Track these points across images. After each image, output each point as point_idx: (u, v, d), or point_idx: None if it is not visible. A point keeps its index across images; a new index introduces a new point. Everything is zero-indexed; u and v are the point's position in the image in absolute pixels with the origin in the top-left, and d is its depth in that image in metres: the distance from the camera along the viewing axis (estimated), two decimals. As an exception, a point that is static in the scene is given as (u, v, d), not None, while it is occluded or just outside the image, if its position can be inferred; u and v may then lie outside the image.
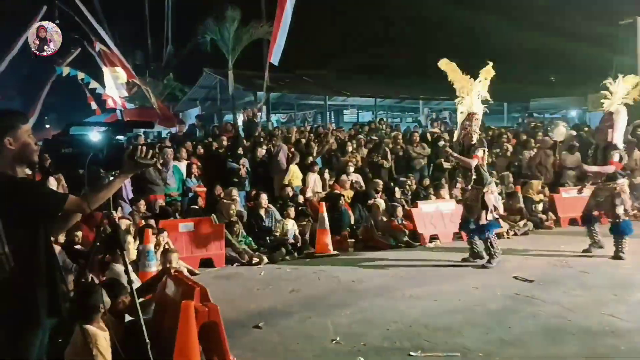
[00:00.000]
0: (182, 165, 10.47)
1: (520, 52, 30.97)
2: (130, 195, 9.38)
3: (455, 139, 8.17)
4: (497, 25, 31.26)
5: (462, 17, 32.72)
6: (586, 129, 14.85)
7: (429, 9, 31.57)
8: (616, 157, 7.61)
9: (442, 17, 32.61)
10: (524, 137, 13.85)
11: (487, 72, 7.63)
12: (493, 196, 7.67)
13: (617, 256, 7.67)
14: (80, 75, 17.12)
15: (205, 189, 10.19)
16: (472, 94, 7.61)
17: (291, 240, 8.97)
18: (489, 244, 7.59)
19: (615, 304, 5.62)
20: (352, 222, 9.91)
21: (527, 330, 4.93)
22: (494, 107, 27.58)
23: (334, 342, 4.80)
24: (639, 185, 10.30)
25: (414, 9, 31.39)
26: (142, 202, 8.81)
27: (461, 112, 7.77)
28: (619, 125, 7.68)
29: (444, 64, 7.75)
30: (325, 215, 9.12)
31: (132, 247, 7.18)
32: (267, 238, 9.00)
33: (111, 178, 3.02)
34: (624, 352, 4.33)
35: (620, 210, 7.64)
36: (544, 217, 10.86)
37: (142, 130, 12.98)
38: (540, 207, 10.97)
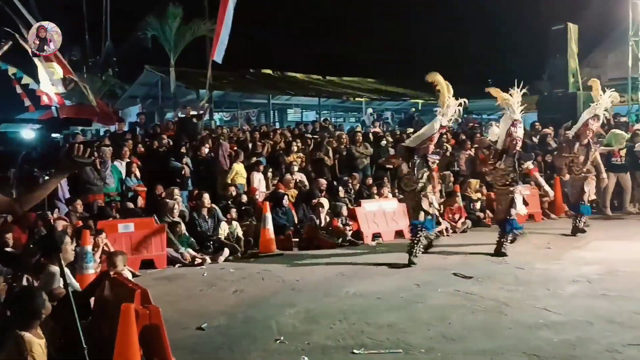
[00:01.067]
0: (122, 165, 10.20)
1: (460, 55, 31.88)
2: (67, 195, 9.06)
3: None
4: (437, 28, 32.07)
5: (406, 20, 33.37)
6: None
7: (373, 8, 32.03)
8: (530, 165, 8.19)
9: (385, 18, 33.13)
10: (463, 137, 14.25)
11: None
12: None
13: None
14: (12, 70, 16.34)
15: (145, 189, 9.96)
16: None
17: (234, 241, 8.89)
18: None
19: (548, 298, 5.85)
20: (296, 222, 9.92)
21: (466, 326, 5.06)
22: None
23: (278, 341, 4.79)
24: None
25: (359, 8, 31.78)
26: (79, 202, 8.54)
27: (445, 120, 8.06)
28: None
29: (432, 76, 8.02)
30: (269, 214, 9.09)
31: (69, 249, 6.93)
32: (210, 238, 8.87)
33: (46, 178, 2.90)
34: (556, 344, 4.52)
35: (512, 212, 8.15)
36: (481, 214, 11.21)
37: (80, 128, 12.56)
38: (478, 205, 11.31)
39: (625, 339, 4.57)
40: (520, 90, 8.34)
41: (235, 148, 11.75)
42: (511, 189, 8.22)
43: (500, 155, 8.31)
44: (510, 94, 8.46)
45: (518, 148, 8.27)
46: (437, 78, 8.00)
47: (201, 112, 14.65)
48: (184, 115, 14.45)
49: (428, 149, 7.96)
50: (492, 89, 8.89)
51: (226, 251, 8.55)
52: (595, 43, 21.73)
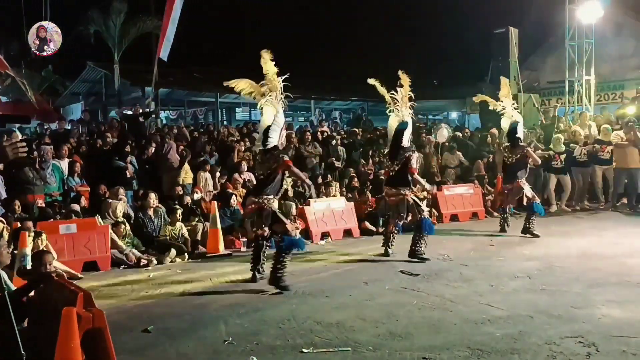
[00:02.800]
0: (64, 164, 9.86)
1: (405, 57, 32.38)
2: (4, 196, 8.69)
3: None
4: (383, 29, 32.52)
5: (353, 21, 33.64)
6: (467, 130, 15.83)
7: (322, 10, 32.16)
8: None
9: (335, 18, 33.31)
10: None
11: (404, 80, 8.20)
12: None
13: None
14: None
15: (88, 189, 9.67)
16: (402, 105, 8.13)
17: (181, 241, 8.75)
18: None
19: (491, 294, 6.03)
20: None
21: (413, 322, 5.15)
22: (382, 107, 28.81)
23: (226, 342, 4.74)
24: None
25: (309, 9, 31.83)
26: (17, 202, 8.19)
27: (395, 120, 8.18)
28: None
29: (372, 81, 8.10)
30: (217, 214, 8.99)
31: (5, 251, 6.64)
32: (156, 239, 8.70)
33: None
34: (499, 338, 4.66)
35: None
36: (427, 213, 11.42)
37: (17, 125, 12.08)
38: (424, 204, 11.51)
39: (562, 331, 4.77)
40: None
41: (183, 147, 11.56)
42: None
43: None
44: (500, 100, 9.40)
45: None
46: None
47: (148, 110, 14.35)
48: (130, 113, 14.11)
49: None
50: (481, 96, 10.03)
51: (173, 252, 8.39)
52: (534, 47, 22.51)
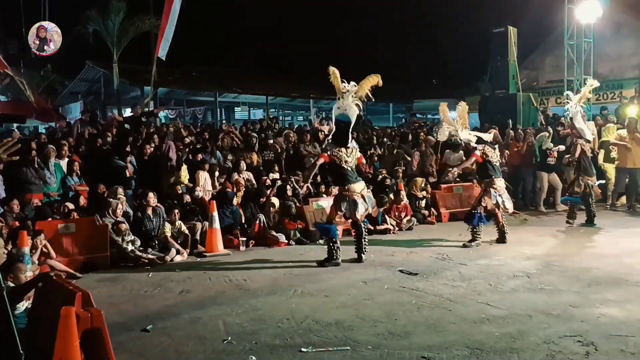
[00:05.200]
0: (63, 163, 9.85)
1: (404, 57, 32.42)
2: (3, 195, 8.67)
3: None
4: (383, 29, 32.54)
5: (351, 19, 33.64)
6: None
7: (321, 10, 32.15)
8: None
9: (334, 18, 33.31)
10: (410, 136, 14.52)
11: (370, 80, 7.91)
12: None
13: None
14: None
15: (87, 188, 9.65)
16: (348, 98, 7.83)
17: (180, 240, 8.75)
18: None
19: (490, 293, 6.04)
20: (244, 221, 9.85)
21: (412, 321, 5.16)
22: (381, 107, 28.82)
23: (225, 342, 4.75)
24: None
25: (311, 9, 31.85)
26: (16, 201, 8.17)
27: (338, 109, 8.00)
28: None
29: (332, 74, 7.89)
30: (216, 214, 8.99)
31: (0, 251, 6.67)
32: (155, 238, 8.70)
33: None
34: (498, 337, 4.67)
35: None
36: (426, 212, 11.45)
37: (16, 125, 12.07)
38: (423, 203, 11.55)
39: (560, 330, 4.78)
40: None
41: (181, 146, 11.55)
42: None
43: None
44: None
45: None
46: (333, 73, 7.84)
47: (149, 109, 14.32)
48: (132, 114, 14.10)
49: None
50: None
51: (172, 251, 8.40)
52: (533, 46, 22.52)
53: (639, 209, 11.87)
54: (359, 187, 7.91)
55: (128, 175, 10.15)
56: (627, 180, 12.12)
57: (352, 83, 7.83)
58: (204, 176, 10.67)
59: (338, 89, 7.83)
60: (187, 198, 9.84)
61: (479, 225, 8.88)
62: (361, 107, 8.11)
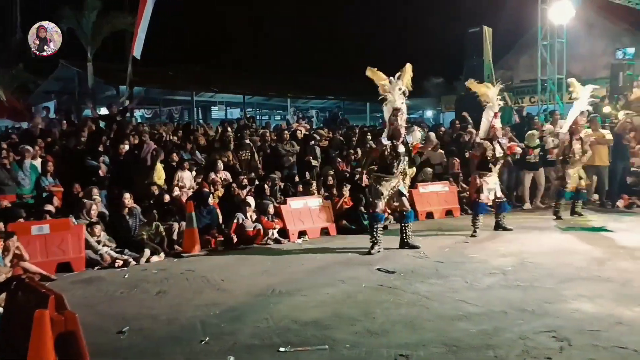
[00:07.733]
0: (36, 163, 9.69)
1: (381, 55, 32.51)
2: (-25, 197, 8.51)
3: (384, 135, 8.69)
4: (359, 29, 32.64)
5: (329, 17, 33.66)
6: (442, 129, 15.96)
7: (299, 10, 32.13)
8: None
9: (312, 17, 33.27)
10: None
11: (406, 70, 8.42)
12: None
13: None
14: None
15: (61, 189, 9.51)
16: (394, 91, 8.31)
17: (157, 241, 8.67)
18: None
19: (466, 291, 6.10)
20: (221, 221, 9.79)
21: (390, 320, 5.19)
22: (358, 106, 28.90)
23: (203, 342, 4.72)
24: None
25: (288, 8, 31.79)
26: (-12, 203, 8.03)
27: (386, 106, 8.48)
28: None
29: (370, 72, 8.27)
30: (193, 214, 8.93)
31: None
32: (131, 239, 8.60)
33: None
34: (474, 334, 4.73)
35: None
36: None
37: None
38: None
39: (535, 326, 4.85)
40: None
41: (156, 146, 11.44)
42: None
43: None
44: (487, 88, 9.80)
45: (499, 135, 9.80)
46: (373, 74, 8.31)
47: (122, 107, 14.14)
48: (107, 113, 13.92)
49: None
50: (471, 83, 10.38)
51: (147, 252, 8.31)
52: (508, 46, 22.81)
53: (609, 205, 12.11)
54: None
55: (101, 175, 10.02)
56: (595, 177, 12.35)
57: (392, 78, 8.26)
58: (186, 175, 10.58)
59: (383, 87, 8.21)
60: (167, 198, 9.74)
61: (479, 217, 9.46)
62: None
